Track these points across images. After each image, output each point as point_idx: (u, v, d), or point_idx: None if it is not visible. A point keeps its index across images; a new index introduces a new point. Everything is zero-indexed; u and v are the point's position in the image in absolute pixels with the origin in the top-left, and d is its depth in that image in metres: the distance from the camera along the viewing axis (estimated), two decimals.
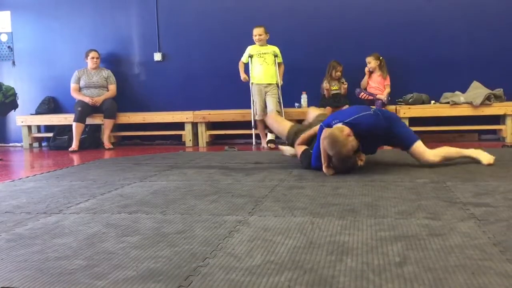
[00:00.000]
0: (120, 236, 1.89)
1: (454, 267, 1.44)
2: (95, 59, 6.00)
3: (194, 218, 2.14)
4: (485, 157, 3.36)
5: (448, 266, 1.44)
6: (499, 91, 5.28)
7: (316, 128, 3.35)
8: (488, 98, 5.20)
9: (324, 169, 3.16)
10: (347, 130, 3.04)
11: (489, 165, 3.28)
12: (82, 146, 5.74)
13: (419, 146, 3.31)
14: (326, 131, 3.08)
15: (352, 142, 3.02)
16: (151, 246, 1.75)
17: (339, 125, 3.10)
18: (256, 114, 5.39)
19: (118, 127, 6.15)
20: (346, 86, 5.59)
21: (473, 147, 3.59)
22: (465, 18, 5.59)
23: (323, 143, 3.07)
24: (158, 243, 1.79)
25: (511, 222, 1.90)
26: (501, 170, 3.06)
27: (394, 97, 5.52)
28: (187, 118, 5.85)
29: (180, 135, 5.95)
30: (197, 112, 5.87)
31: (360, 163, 3.17)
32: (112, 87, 6.08)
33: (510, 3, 5.51)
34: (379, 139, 3.33)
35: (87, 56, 6.01)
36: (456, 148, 3.52)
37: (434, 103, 5.46)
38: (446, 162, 3.38)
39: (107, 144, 5.80)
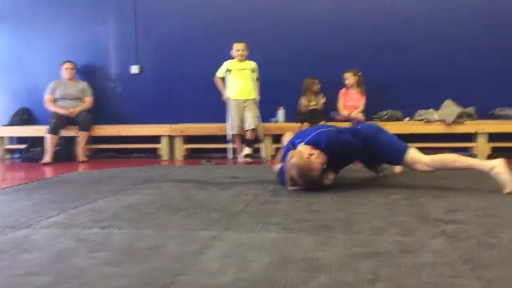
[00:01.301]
0: (91, 252, 1.85)
1: (425, 284, 1.45)
2: (69, 70, 5.94)
3: (167, 233, 2.12)
4: (509, 183, 2.84)
5: (419, 284, 1.45)
6: (470, 109, 5.41)
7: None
8: (460, 116, 5.31)
9: (289, 188, 3.16)
10: (306, 151, 3.01)
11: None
12: (56, 158, 5.64)
13: (408, 158, 3.10)
14: (289, 161, 3.03)
15: (316, 160, 2.98)
16: (122, 262, 1.71)
17: (301, 146, 3.09)
18: (234, 128, 5.39)
19: (93, 140, 6.07)
20: (323, 101, 5.65)
21: None
22: (439, 39, 5.74)
23: (292, 172, 3.02)
24: (129, 259, 1.75)
25: (481, 239, 1.93)
26: (474, 187, 3.10)
27: (369, 113, 5.60)
28: (164, 132, 5.82)
29: (157, 149, 5.90)
30: (174, 126, 5.84)
31: (327, 182, 3.11)
32: (88, 99, 6.02)
33: (479, 24, 5.68)
34: (348, 155, 3.22)
35: (62, 67, 5.94)
36: (461, 156, 3.17)
37: (408, 120, 5.55)
38: (424, 176, 3.22)
39: (81, 157, 5.72)
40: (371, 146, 3.21)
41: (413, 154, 3.13)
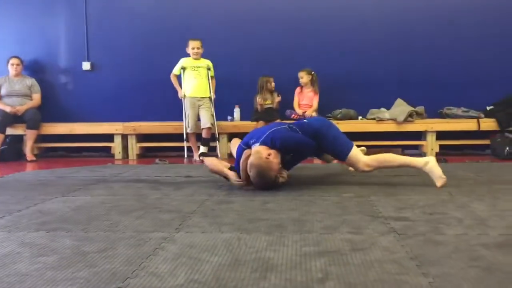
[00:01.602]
0: (36, 256, 1.78)
1: (373, 282, 1.48)
2: (15, 66, 5.72)
3: (117, 235, 2.07)
4: (439, 178, 3.12)
5: (368, 281, 1.48)
6: (420, 108, 5.57)
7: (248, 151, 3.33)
8: (410, 115, 5.46)
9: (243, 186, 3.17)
10: (264, 151, 3.02)
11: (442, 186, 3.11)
12: (2, 158, 5.41)
13: (351, 157, 3.23)
14: (246, 161, 3.04)
15: (274, 160, 3.02)
16: (69, 267, 1.66)
17: (257, 146, 3.09)
18: (188, 127, 5.34)
19: (43, 138, 5.86)
20: (278, 100, 5.68)
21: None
22: (391, 41, 5.88)
23: (250, 172, 3.04)
24: (76, 263, 1.70)
25: (428, 236, 1.99)
26: (422, 184, 3.20)
27: (323, 112, 5.67)
28: (116, 130, 5.69)
29: (109, 147, 5.76)
30: (127, 124, 5.72)
31: (281, 179, 3.13)
32: (36, 96, 5.81)
33: (428, 26, 5.86)
34: (301, 152, 3.28)
35: (8, 62, 5.71)
36: (398, 155, 3.35)
37: (361, 119, 5.66)
38: (376, 174, 3.37)
39: (29, 156, 5.51)
40: (320, 139, 3.28)
41: (356, 153, 3.26)
